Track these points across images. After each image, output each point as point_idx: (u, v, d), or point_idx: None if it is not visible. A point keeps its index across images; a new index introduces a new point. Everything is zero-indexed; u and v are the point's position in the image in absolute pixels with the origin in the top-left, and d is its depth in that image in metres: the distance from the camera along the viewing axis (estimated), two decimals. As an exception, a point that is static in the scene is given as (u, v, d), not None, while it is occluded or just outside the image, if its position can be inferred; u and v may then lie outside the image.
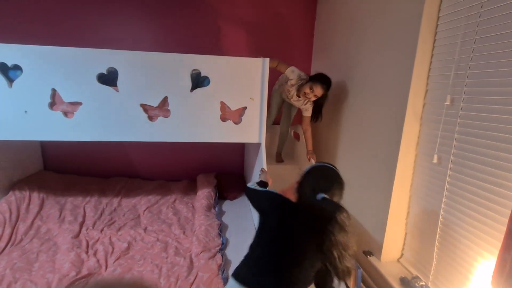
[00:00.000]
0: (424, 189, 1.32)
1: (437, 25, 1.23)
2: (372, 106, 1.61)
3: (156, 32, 2.35)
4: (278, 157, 2.42)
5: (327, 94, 1.87)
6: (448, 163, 1.19)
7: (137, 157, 2.57)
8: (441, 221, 1.23)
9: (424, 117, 1.31)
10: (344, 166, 1.96)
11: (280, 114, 2.33)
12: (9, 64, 1.38)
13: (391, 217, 1.42)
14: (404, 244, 1.47)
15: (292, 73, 1.91)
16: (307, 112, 1.98)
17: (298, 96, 1.96)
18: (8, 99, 1.42)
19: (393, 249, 1.47)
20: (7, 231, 1.66)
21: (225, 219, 1.99)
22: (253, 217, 2.01)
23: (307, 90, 1.83)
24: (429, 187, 1.29)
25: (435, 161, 1.23)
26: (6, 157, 2.01)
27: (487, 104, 1.04)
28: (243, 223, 1.95)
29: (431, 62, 1.27)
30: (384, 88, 1.50)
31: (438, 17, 1.23)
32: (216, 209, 2.04)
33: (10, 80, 1.41)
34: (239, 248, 1.66)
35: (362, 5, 1.74)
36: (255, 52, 2.42)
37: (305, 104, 1.97)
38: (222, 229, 1.82)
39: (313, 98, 1.86)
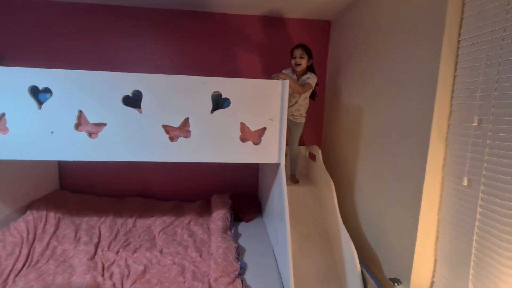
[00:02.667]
0: (454, 212, 1.27)
1: (458, 48, 1.25)
2: (393, 129, 1.60)
3: (177, 55, 2.46)
4: (293, 178, 2.39)
5: (311, 55, 2.06)
6: (479, 185, 1.15)
7: (151, 177, 2.58)
8: (475, 247, 1.17)
9: (450, 138, 1.29)
10: (364, 190, 1.93)
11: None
12: (40, 87, 1.44)
13: (419, 242, 1.36)
14: (434, 271, 1.39)
15: (286, 72, 2.12)
16: (307, 79, 2.05)
17: (296, 75, 2.10)
18: (36, 121, 1.46)
19: (423, 277, 1.39)
20: (24, 251, 1.65)
21: (241, 241, 1.95)
22: (271, 241, 1.96)
23: (292, 62, 2.06)
24: (460, 210, 1.24)
25: (465, 183, 1.19)
26: (25, 176, 2.05)
27: (518, 125, 1.02)
28: (260, 246, 1.90)
29: (454, 84, 1.27)
30: (405, 110, 1.50)
31: (459, 41, 1.24)
32: (233, 231, 2.00)
33: (40, 103, 1.46)
34: (258, 273, 1.60)
35: (378, 27, 1.79)
36: (268, 74, 2.48)
37: (304, 76, 2.07)
38: (239, 252, 1.77)
39: (302, 61, 2.03)
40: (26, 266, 1.57)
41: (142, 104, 1.51)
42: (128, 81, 1.48)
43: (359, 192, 2.00)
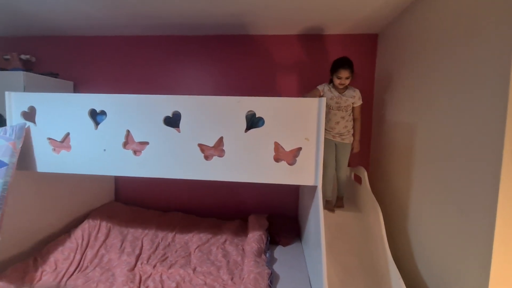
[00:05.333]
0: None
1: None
2: (454, 150, 1.36)
3: (218, 77, 2.59)
4: (339, 202, 2.14)
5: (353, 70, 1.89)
6: None
7: (192, 194, 2.68)
8: None
9: (531, 164, 1.03)
10: (421, 221, 1.67)
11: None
12: (97, 110, 1.63)
13: None
14: (516, 334, 1.08)
15: (322, 89, 1.96)
16: (359, 100, 1.97)
17: (340, 94, 1.94)
18: (93, 139, 1.65)
19: None
20: (78, 256, 1.82)
21: (276, 267, 1.83)
22: (308, 269, 1.80)
23: (337, 81, 1.89)
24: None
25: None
26: (85, 188, 2.31)
27: None
28: (296, 274, 1.76)
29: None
30: (468, 127, 1.27)
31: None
32: (267, 255, 1.91)
33: (97, 123, 1.65)
34: (290, 305, 1.47)
35: (432, 36, 1.60)
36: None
37: (348, 91, 1.95)
38: (272, 279, 1.66)
39: (347, 81, 1.89)
40: (77, 271, 1.72)
41: (181, 124, 1.59)
42: (168, 103, 1.58)
43: (413, 223, 1.73)
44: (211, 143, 1.58)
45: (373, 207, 1.87)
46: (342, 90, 1.96)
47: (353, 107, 2.00)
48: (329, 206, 2.07)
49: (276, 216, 2.45)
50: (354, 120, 2.04)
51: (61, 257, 1.76)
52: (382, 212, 1.78)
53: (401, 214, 1.87)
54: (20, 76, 2.18)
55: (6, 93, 1.66)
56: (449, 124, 1.40)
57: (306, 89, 2.47)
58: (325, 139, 1.93)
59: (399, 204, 1.90)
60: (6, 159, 1.52)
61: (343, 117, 1.97)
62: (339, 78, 1.88)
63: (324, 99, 1.49)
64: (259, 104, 1.53)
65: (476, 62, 1.23)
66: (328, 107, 1.94)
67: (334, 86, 1.96)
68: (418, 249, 1.65)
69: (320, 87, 1.97)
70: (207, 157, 1.59)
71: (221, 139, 1.57)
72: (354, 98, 1.96)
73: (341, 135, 1.98)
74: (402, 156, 1.90)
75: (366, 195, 2.01)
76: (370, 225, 1.91)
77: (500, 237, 1.08)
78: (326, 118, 1.88)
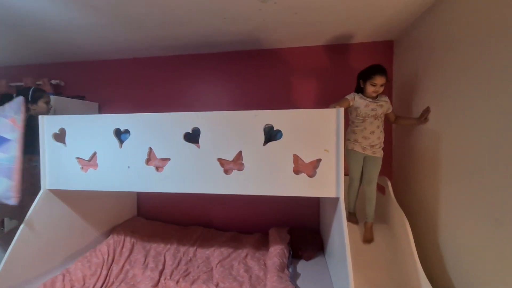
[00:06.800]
0: None
1: None
2: (483, 157, 1.30)
3: (237, 93, 2.65)
4: (367, 230, 1.91)
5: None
6: None
7: (212, 207, 2.69)
8: None
9: None
10: (451, 236, 1.58)
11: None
12: (122, 129, 1.71)
13: None
14: None
15: (351, 98, 1.84)
16: (390, 107, 1.89)
17: (373, 100, 1.83)
18: (118, 157, 1.71)
19: None
20: (104, 272, 1.87)
21: (300, 283, 1.78)
22: (333, 284, 1.74)
23: (371, 89, 1.78)
24: None
25: None
26: (110, 204, 2.38)
27: None
28: (320, 290, 1.70)
29: None
30: (497, 132, 1.20)
31: None
32: (290, 269, 1.86)
33: (121, 142, 1.72)
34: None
35: (454, 40, 1.55)
36: (328, 101, 2.40)
37: (381, 98, 1.86)
38: (296, 296, 1.61)
39: (381, 89, 1.79)
40: (103, 286, 1.76)
41: (200, 139, 1.62)
42: (188, 119, 1.63)
43: (445, 236, 1.63)
44: (230, 157, 1.59)
45: (399, 218, 1.79)
46: (374, 97, 1.84)
47: (386, 115, 1.91)
48: (352, 218, 1.98)
49: (298, 229, 2.40)
50: (398, 122, 1.99)
51: (88, 273, 1.81)
52: (409, 223, 1.70)
53: (430, 226, 1.77)
54: (51, 100, 2.33)
55: (40, 117, 1.78)
56: (481, 131, 1.34)
57: (324, 100, 2.46)
58: (353, 151, 1.87)
59: (427, 215, 1.81)
60: (8, 135, 1.62)
61: (378, 126, 1.85)
62: (374, 85, 1.76)
63: (342, 110, 1.47)
64: (276, 117, 1.54)
65: (507, 64, 1.18)
66: (363, 116, 1.83)
67: (365, 94, 1.84)
68: (452, 263, 1.55)
69: (349, 97, 1.84)
70: (226, 171, 1.61)
71: (240, 153, 1.58)
72: (388, 103, 1.87)
73: (372, 147, 1.84)
74: (427, 165, 1.83)
75: (391, 206, 1.93)
76: (397, 238, 1.83)
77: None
78: (360, 127, 1.85)
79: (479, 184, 1.33)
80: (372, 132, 1.83)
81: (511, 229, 1.14)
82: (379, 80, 1.75)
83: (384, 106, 1.85)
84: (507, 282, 1.15)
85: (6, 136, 1.62)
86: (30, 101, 1.96)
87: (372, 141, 1.83)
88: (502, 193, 1.19)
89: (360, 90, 1.87)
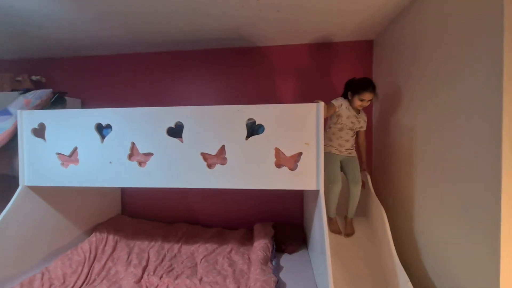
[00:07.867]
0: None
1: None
2: (452, 150, 1.37)
3: (218, 89, 2.66)
4: (348, 225, 1.96)
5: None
6: None
7: (197, 204, 2.70)
8: None
9: (529, 157, 1.04)
10: (424, 225, 1.66)
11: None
12: (103, 123, 1.69)
13: (505, 284, 1.06)
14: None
15: (338, 105, 1.88)
16: (365, 126, 1.99)
17: (356, 114, 1.92)
18: (99, 152, 1.70)
19: None
20: (85, 270, 1.84)
21: (282, 275, 1.82)
22: (315, 276, 1.78)
23: (358, 103, 1.85)
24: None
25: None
26: (92, 202, 2.35)
27: None
28: (302, 282, 1.74)
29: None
30: (465, 126, 1.28)
31: (526, 41, 1.04)
32: (274, 263, 1.89)
33: (103, 137, 1.71)
34: (297, 312, 1.45)
35: (424, 40, 1.64)
36: (309, 98, 2.46)
37: (361, 115, 1.97)
38: (279, 287, 1.64)
39: (368, 104, 1.87)
40: (84, 284, 1.73)
41: (183, 134, 1.63)
42: (171, 114, 1.64)
43: (419, 225, 1.71)
44: (213, 151, 1.61)
45: (378, 211, 1.86)
46: (357, 111, 1.93)
47: (358, 132, 2.01)
48: (333, 226, 1.95)
49: (282, 224, 2.44)
50: (360, 144, 2.07)
51: (69, 271, 1.78)
52: (387, 215, 1.77)
53: (406, 217, 1.85)
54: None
55: (18, 112, 1.74)
56: (447, 124, 1.42)
57: (306, 97, 2.51)
58: (330, 153, 1.93)
59: (404, 207, 1.89)
60: (12, 110, 1.65)
61: (352, 136, 1.97)
62: (362, 100, 1.82)
63: (322, 104, 1.52)
64: (258, 112, 1.58)
65: (469, 62, 1.26)
66: (341, 125, 1.90)
67: (351, 105, 1.90)
68: (425, 251, 1.63)
69: (336, 103, 1.87)
70: (210, 166, 1.62)
71: (223, 147, 1.61)
72: (365, 122, 1.97)
73: (347, 150, 1.96)
74: (404, 159, 1.91)
75: (371, 199, 2.00)
76: (376, 229, 1.90)
77: (507, 233, 1.07)
78: (336, 135, 1.93)
79: (448, 176, 1.41)
80: (347, 141, 1.95)
81: (475, 215, 1.21)
82: (368, 96, 1.82)
83: (361, 123, 1.96)
84: (473, 264, 1.22)
85: (11, 110, 1.65)
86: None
87: (346, 147, 1.95)
88: (468, 184, 1.26)
89: (346, 95, 1.94)
